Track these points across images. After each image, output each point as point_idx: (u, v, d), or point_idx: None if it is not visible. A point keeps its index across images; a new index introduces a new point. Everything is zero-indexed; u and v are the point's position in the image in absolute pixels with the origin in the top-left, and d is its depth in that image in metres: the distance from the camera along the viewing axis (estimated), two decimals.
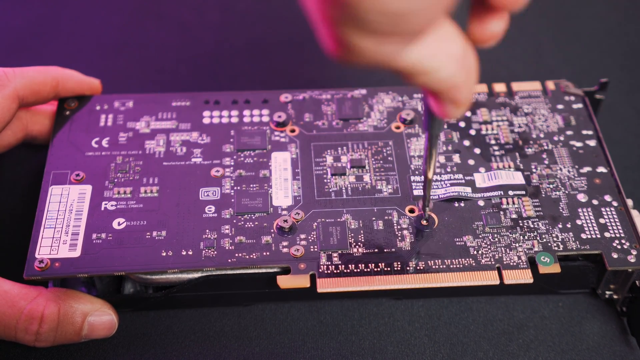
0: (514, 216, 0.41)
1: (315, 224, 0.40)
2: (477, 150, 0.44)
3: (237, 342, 0.40)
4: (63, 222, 0.40)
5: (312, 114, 0.46)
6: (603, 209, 0.41)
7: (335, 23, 0.24)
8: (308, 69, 0.53)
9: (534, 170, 0.43)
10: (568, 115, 0.46)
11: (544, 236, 0.40)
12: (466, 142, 0.45)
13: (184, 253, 0.39)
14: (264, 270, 0.39)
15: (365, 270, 0.39)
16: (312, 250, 0.39)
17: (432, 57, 0.27)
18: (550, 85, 0.47)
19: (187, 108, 0.46)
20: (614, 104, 0.51)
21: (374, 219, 0.41)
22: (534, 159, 0.44)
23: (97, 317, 0.38)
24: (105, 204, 0.41)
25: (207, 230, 0.40)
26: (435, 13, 0.24)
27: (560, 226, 0.41)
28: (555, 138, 0.45)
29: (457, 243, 0.40)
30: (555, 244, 0.40)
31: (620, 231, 0.40)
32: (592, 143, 0.44)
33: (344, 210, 0.41)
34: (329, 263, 0.39)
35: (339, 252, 0.39)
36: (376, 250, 0.40)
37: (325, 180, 0.43)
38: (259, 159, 0.43)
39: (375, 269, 0.39)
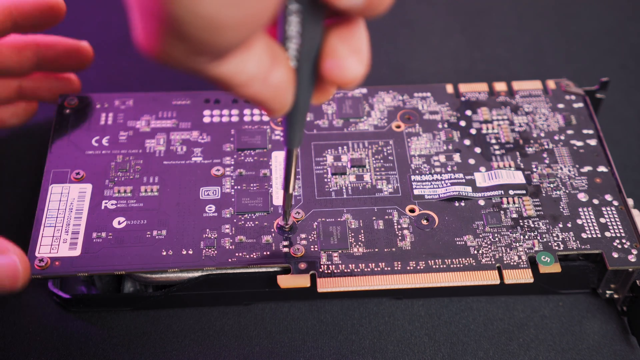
0: (514, 216, 0.41)
1: (316, 223, 0.40)
2: (478, 150, 0.44)
3: (237, 341, 0.40)
4: (63, 221, 0.40)
5: (313, 113, 0.46)
6: (603, 209, 0.41)
7: (154, 29, 0.24)
8: None
9: (534, 169, 0.43)
10: (569, 115, 0.46)
11: (544, 236, 0.40)
12: (467, 142, 0.45)
13: (184, 252, 0.39)
14: (264, 270, 0.39)
15: (366, 270, 0.39)
16: (312, 249, 0.39)
17: (238, 73, 0.26)
18: (551, 84, 0.47)
19: (187, 107, 0.46)
20: (614, 103, 0.51)
21: (374, 218, 0.41)
22: (534, 158, 0.44)
23: None
24: (106, 203, 0.41)
25: (208, 230, 0.40)
26: (250, 29, 0.24)
27: (560, 226, 0.41)
28: (556, 137, 0.45)
29: (457, 243, 0.40)
30: (555, 244, 0.40)
31: (621, 231, 0.40)
32: (592, 142, 0.44)
33: (344, 209, 0.41)
34: (329, 263, 0.39)
35: (340, 251, 0.39)
36: (376, 249, 0.39)
37: (325, 180, 0.43)
38: (259, 158, 0.43)
39: (375, 269, 0.39)
